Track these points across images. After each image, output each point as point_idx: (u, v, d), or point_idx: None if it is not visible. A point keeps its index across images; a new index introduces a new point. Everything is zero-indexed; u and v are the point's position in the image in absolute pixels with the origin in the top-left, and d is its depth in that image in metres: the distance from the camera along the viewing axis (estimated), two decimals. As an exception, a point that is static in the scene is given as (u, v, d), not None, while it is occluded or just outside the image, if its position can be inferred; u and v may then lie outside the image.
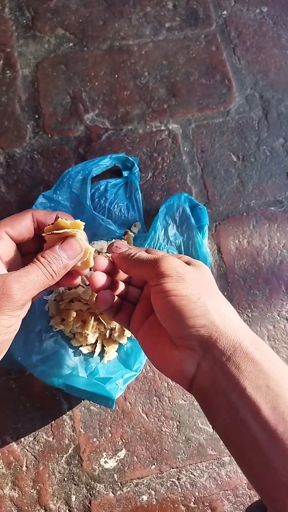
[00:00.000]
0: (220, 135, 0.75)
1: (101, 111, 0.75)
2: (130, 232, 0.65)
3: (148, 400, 0.64)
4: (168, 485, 0.62)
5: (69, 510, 0.60)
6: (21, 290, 0.36)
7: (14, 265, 0.44)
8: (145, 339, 0.42)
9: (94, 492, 0.61)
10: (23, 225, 0.43)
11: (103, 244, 0.64)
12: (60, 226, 0.41)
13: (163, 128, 0.75)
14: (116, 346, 0.61)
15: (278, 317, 0.68)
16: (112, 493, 0.61)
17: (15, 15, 0.79)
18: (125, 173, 0.70)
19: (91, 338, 0.60)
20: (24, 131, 0.73)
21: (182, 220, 0.65)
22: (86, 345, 0.61)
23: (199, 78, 0.77)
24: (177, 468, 0.62)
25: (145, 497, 0.61)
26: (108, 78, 0.76)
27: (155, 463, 0.62)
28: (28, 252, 0.46)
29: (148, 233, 0.64)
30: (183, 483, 0.62)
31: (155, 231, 0.64)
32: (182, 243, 0.65)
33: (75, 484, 0.61)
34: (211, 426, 0.64)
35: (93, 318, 0.60)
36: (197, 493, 0.62)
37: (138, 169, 0.69)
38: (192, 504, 0.61)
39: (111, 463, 0.62)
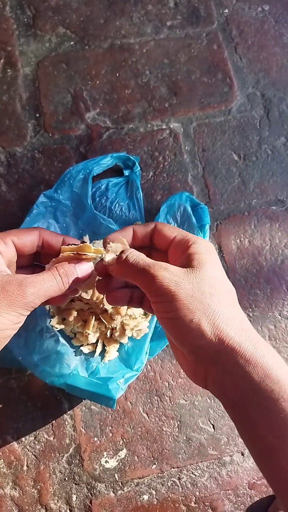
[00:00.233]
0: (221, 134, 0.75)
1: (102, 110, 0.75)
2: (131, 232, 0.65)
3: (149, 400, 0.64)
4: (169, 484, 0.62)
5: (70, 509, 0.60)
6: (34, 294, 0.38)
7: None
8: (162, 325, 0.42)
9: (95, 491, 0.61)
10: (29, 239, 0.45)
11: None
12: (84, 249, 0.43)
13: (164, 127, 0.74)
14: (117, 345, 0.61)
15: (279, 316, 0.68)
16: (113, 492, 0.61)
17: (16, 14, 0.78)
18: (126, 172, 0.69)
19: (92, 337, 0.60)
20: (25, 130, 0.73)
21: (183, 219, 0.65)
22: (87, 344, 0.61)
23: (200, 76, 0.77)
24: (178, 467, 0.62)
25: (146, 497, 0.61)
26: (109, 77, 0.76)
27: (156, 463, 0.62)
28: (21, 266, 0.48)
29: (149, 232, 0.64)
30: (184, 483, 0.62)
31: (156, 230, 0.63)
32: (183, 243, 0.65)
33: (76, 484, 0.61)
34: (212, 426, 0.64)
35: (94, 317, 0.59)
36: (198, 493, 0.62)
37: (139, 168, 0.69)
38: (192, 504, 0.61)
39: (112, 463, 0.62)
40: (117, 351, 0.62)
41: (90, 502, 0.61)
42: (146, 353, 0.60)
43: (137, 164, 0.69)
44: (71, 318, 0.59)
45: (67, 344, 0.60)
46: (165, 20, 0.79)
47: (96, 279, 0.45)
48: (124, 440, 0.63)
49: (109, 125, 0.74)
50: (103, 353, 0.61)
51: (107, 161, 0.68)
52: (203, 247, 0.39)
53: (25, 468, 0.62)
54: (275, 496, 0.62)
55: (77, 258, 0.43)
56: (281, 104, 0.77)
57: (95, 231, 0.65)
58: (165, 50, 0.78)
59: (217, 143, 0.74)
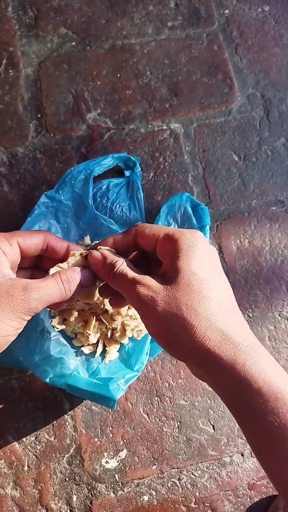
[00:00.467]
0: (221, 134, 0.75)
1: (103, 111, 0.75)
2: (131, 232, 0.65)
3: (149, 400, 0.64)
4: (169, 485, 0.62)
5: (70, 510, 0.60)
6: (38, 300, 0.38)
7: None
8: None
9: (95, 492, 0.61)
10: (34, 242, 0.45)
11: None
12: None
13: (165, 127, 0.75)
14: (118, 346, 0.61)
15: (279, 317, 0.68)
16: (113, 493, 0.61)
17: (18, 14, 0.78)
18: (127, 173, 0.70)
19: (93, 338, 0.60)
20: (27, 130, 0.73)
21: (184, 220, 0.65)
22: (88, 345, 0.61)
23: (201, 77, 0.77)
24: (178, 468, 0.62)
25: (146, 497, 0.61)
26: (111, 77, 0.76)
27: (156, 464, 0.62)
28: (22, 267, 0.48)
29: (150, 233, 0.64)
30: (184, 484, 0.62)
31: (157, 231, 0.63)
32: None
33: (76, 484, 0.61)
34: (212, 427, 0.64)
35: (94, 318, 0.60)
36: (197, 494, 0.62)
37: (140, 169, 0.69)
38: (192, 505, 0.61)
39: (112, 463, 0.62)
40: (117, 351, 0.62)
41: (91, 503, 0.61)
42: (147, 353, 0.60)
43: (137, 164, 0.69)
44: (72, 319, 0.59)
45: (68, 344, 0.60)
46: (166, 21, 0.80)
47: (99, 284, 0.45)
48: (125, 440, 0.63)
49: (110, 125, 0.74)
50: (103, 353, 0.61)
51: (108, 162, 0.68)
52: (185, 243, 0.37)
53: (26, 468, 0.62)
54: (275, 495, 0.62)
55: (83, 265, 0.44)
56: (281, 105, 0.77)
57: (96, 232, 0.65)
58: (166, 51, 0.78)
59: (217, 143, 0.74)
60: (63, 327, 0.61)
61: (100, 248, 0.43)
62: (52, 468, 0.62)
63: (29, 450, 0.62)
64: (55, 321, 0.60)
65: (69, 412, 0.63)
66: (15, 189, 0.71)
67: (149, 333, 0.38)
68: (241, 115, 0.76)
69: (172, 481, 0.62)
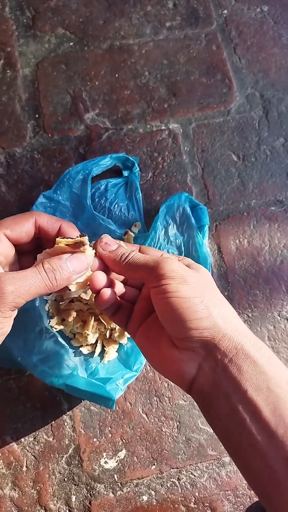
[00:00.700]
0: (220, 134, 0.75)
1: (101, 111, 0.75)
2: (130, 232, 0.65)
3: (148, 401, 0.64)
4: (168, 485, 0.62)
5: (69, 510, 0.60)
6: (14, 293, 0.35)
7: (12, 267, 0.44)
8: (143, 341, 0.42)
9: (94, 492, 0.61)
10: (23, 229, 0.43)
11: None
12: (80, 243, 0.40)
13: (163, 127, 0.74)
14: (116, 346, 0.61)
15: (278, 317, 0.68)
16: (112, 493, 0.61)
17: (16, 15, 0.78)
18: (126, 173, 0.70)
19: (91, 338, 0.60)
20: (25, 131, 0.73)
21: (183, 220, 0.65)
22: (86, 345, 0.61)
23: (199, 77, 0.77)
24: (177, 468, 0.62)
25: (145, 498, 0.61)
26: (109, 78, 0.76)
27: (155, 464, 0.62)
28: (24, 251, 0.45)
29: (149, 233, 0.64)
30: (183, 484, 0.62)
31: (155, 231, 0.63)
32: (182, 243, 0.65)
33: (75, 485, 0.61)
34: (211, 427, 0.64)
35: (93, 318, 0.60)
36: (197, 494, 0.62)
37: (138, 169, 0.69)
38: (192, 505, 0.61)
39: (111, 464, 0.62)
40: (116, 351, 0.62)
41: (90, 503, 0.61)
42: (146, 353, 0.60)
43: (136, 164, 0.69)
44: (71, 319, 0.59)
45: (66, 344, 0.60)
46: (164, 21, 0.80)
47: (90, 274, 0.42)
48: (124, 440, 0.63)
49: (108, 126, 0.74)
50: (102, 353, 0.61)
51: (106, 162, 0.68)
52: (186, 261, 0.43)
53: (24, 468, 0.61)
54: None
55: (72, 251, 0.40)
56: (280, 105, 0.77)
57: (94, 232, 0.65)
58: (164, 51, 0.78)
59: (216, 143, 0.74)
60: (62, 327, 0.61)
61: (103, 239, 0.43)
62: (50, 468, 0.62)
63: (28, 451, 0.62)
64: (53, 321, 0.60)
65: (67, 412, 0.63)
66: (13, 189, 0.70)
67: (170, 298, 0.36)
68: (240, 115, 0.76)
69: (172, 481, 0.62)
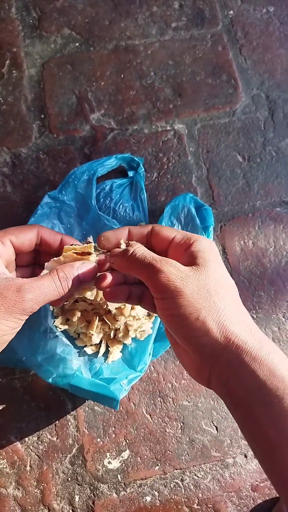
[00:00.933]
0: (225, 135, 0.75)
1: (106, 111, 0.75)
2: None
3: (152, 401, 0.64)
4: (172, 486, 0.62)
5: (72, 510, 0.60)
6: (33, 300, 0.38)
7: (11, 273, 0.46)
8: (167, 332, 0.42)
9: (97, 492, 0.61)
10: (27, 238, 0.45)
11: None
12: (88, 250, 0.43)
13: (168, 128, 0.74)
14: (121, 346, 0.61)
15: (283, 318, 0.68)
16: (116, 493, 0.61)
17: (22, 15, 0.79)
18: (131, 173, 0.70)
19: (96, 338, 0.60)
20: (30, 131, 0.73)
21: (187, 221, 0.65)
22: (91, 345, 0.61)
23: (205, 78, 0.77)
24: (180, 469, 0.62)
25: (148, 498, 0.61)
26: (114, 78, 0.76)
27: (159, 464, 0.62)
28: (20, 264, 0.47)
29: (153, 233, 0.64)
30: (187, 485, 0.62)
31: (160, 231, 0.63)
32: (187, 244, 0.64)
33: (78, 484, 0.61)
34: (215, 428, 0.64)
35: (97, 318, 0.60)
36: (200, 495, 0.62)
37: (143, 169, 0.69)
38: (195, 506, 0.61)
39: (115, 464, 0.62)
40: (120, 352, 0.62)
41: (93, 503, 0.61)
42: (150, 354, 0.60)
43: (141, 165, 0.69)
44: (75, 319, 0.59)
45: (70, 344, 0.60)
46: (170, 22, 0.80)
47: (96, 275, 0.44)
48: (127, 441, 0.63)
49: (114, 126, 0.74)
50: (106, 354, 0.61)
51: (111, 162, 0.68)
52: (206, 245, 0.39)
53: (28, 468, 0.62)
54: (278, 497, 0.62)
55: (79, 259, 0.42)
56: (286, 106, 0.76)
57: (99, 232, 0.64)
58: (170, 52, 0.78)
59: (222, 144, 0.74)
60: (66, 327, 0.61)
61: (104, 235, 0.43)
62: (54, 468, 0.62)
63: (32, 450, 0.62)
64: (58, 321, 0.60)
65: (71, 412, 0.63)
66: (18, 189, 0.71)
67: (167, 316, 0.36)
68: (245, 116, 0.76)
69: (175, 482, 0.62)
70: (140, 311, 0.59)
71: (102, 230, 0.65)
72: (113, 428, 0.63)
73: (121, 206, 0.67)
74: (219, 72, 0.77)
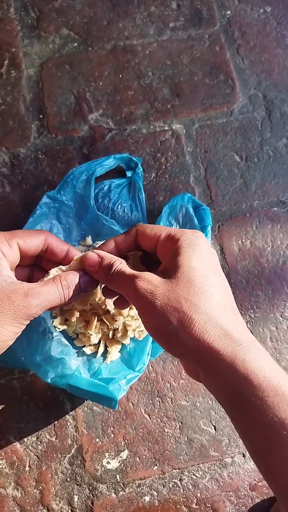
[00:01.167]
0: (223, 135, 0.75)
1: (105, 111, 0.75)
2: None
3: (150, 401, 0.64)
4: (170, 486, 0.62)
5: (71, 510, 0.60)
6: (38, 306, 0.38)
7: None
8: None
9: (96, 492, 0.61)
10: (34, 243, 0.45)
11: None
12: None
13: (166, 128, 0.75)
14: (119, 346, 0.61)
15: (280, 318, 0.68)
16: (115, 493, 0.61)
17: (20, 15, 0.79)
18: (129, 173, 0.70)
19: (94, 338, 0.60)
20: (29, 131, 0.73)
21: (185, 221, 0.65)
22: (89, 345, 0.61)
23: (202, 78, 0.77)
24: (179, 469, 0.62)
25: (147, 498, 0.61)
26: (112, 78, 0.76)
27: (157, 464, 0.62)
28: (18, 264, 0.47)
29: (152, 233, 0.64)
30: (185, 484, 0.62)
31: (158, 231, 0.63)
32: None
33: (77, 485, 0.61)
34: (213, 427, 0.64)
35: (96, 318, 0.60)
36: (199, 494, 0.62)
37: (141, 169, 0.69)
38: (194, 505, 0.61)
39: (114, 464, 0.62)
40: (119, 352, 0.62)
41: (92, 503, 0.61)
42: (148, 354, 0.60)
43: (139, 165, 0.69)
44: (74, 319, 0.59)
45: (69, 345, 0.60)
46: (167, 22, 0.80)
47: (102, 286, 0.45)
48: (126, 441, 0.63)
49: (112, 126, 0.74)
50: (105, 354, 0.61)
51: (109, 162, 0.68)
52: (186, 241, 0.38)
53: (27, 468, 0.62)
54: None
55: (82, 268, 0.43)
56: (283, 106, 0.77)
57: (98, 232, 0.65)
58: (168, 52, 0.78)
59: (219, 144, 0.74)
60: (65, 327, 0.61)
61: (94, 250, 0.43)
62: (53, 468, 0.62)
63: (31, 450, 0.62)
64: (56, 322, 0.60)
65: (70, 413, 0.63)
66: (17, 189, 0.71)
67: (146, 329, 0.37)
68: (243, 116, 0.76)
69: (174, 482, 0.62)
70: (138, 311, 0.59)
71: (100, 230, 0.65)
72: (111, 428, 0.63)
73: (119, 206, 0.67)
74: (216, 72, 0.77)
